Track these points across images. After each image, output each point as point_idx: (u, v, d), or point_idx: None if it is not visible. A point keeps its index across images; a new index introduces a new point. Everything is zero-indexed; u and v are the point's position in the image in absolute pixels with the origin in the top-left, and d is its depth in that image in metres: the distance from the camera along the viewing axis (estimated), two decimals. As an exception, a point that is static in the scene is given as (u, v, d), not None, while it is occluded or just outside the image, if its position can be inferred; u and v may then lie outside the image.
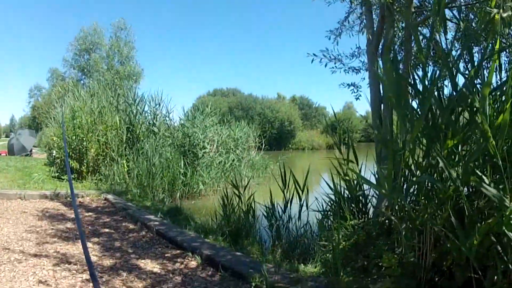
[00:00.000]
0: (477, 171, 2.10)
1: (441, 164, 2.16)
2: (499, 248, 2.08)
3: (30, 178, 9.17)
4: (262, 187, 10.23)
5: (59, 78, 38.54)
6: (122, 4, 74.66)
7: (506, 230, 1.95)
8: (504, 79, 2.36)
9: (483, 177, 2.04)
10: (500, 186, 2.04)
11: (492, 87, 2.27)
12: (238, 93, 59.75)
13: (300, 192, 4.90)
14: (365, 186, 3.52)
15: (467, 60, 2.55)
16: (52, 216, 5.96)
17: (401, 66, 2.74)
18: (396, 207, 2.83)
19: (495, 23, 2.34)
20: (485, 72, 2.45)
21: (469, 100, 2.32)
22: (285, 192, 5.09)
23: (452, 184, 2.15)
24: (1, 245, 4.37)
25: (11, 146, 19.80)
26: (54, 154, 10.82)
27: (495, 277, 2.11)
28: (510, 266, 2.05)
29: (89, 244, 4.54)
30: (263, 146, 14.61)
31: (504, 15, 2.36)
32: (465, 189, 2.35)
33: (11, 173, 10.36)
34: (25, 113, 59.46)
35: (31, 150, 20.37)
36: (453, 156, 2.28)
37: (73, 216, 5.99)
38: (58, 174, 10.19)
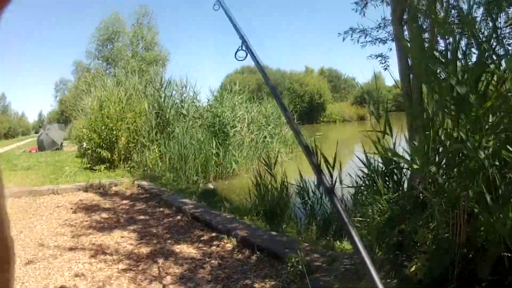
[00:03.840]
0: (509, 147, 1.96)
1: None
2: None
3: (62, 172, 9.13)
4: (295, 162, 10.19)
5: (84, 70, 38.81)
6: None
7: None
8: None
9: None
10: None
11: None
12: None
13: (331, 168, 4.84)
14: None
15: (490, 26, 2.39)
16: (86, 208, 6.01)
17: (426, 35, 2.61)
18: (429, 181, 2.74)
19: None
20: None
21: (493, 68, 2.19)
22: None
23: (480, 154, 2.03)
24: (35, 242, 4.37)
25: (40, 142, 19.59)
26: (84, 146, 10.94)
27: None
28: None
29: (125, 233, 4.64)
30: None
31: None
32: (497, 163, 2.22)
33: (42, 169, 10.38)
34: (53, 108, 60.41)
35: (61, 144, 20.28)
36: (480, 127, 2.14)
37: (107, 206, 6.13)
38: (90, 165, 10.21)
